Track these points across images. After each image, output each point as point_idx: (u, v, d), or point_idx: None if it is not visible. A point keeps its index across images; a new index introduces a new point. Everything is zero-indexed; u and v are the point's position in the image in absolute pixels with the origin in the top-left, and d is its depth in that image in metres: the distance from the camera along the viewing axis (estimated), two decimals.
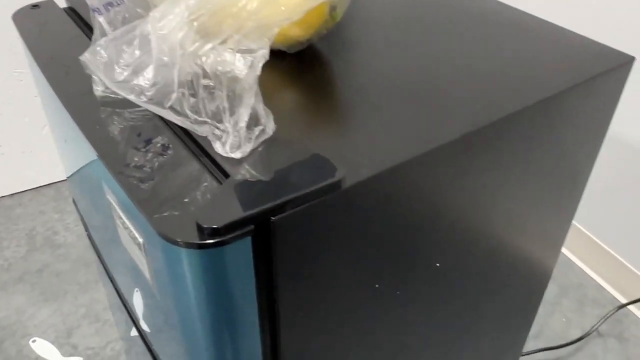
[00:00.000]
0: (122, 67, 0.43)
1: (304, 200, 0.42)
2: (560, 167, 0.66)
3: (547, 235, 0.77)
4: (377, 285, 0.53)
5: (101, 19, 0.48)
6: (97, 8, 0.47)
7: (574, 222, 1.60)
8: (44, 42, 0.65)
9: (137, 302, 0.67)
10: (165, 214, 0.42)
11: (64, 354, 1.38)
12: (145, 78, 0.42)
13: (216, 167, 0.46)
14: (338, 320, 0.53)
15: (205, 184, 0.45)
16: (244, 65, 0.44)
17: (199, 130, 0.46)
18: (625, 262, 1.50)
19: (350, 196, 0.44)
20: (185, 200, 0.44)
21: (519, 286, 0.81)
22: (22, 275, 1.58)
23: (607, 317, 1.41)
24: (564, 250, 1.65)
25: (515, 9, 0.71)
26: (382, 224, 0.49)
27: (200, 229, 0.39)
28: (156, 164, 0.46)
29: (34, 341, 1.40)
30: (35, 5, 0.72)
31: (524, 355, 1.36)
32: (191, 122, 0.44)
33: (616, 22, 1.32)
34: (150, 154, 0.47)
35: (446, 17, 0.70)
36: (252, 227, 0.40)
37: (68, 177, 0.81)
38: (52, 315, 1.47)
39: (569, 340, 1.39)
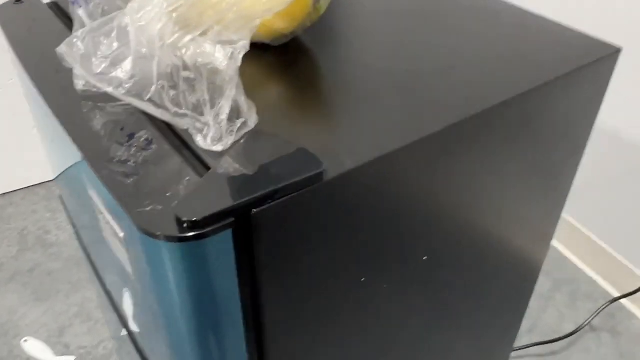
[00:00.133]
0: (99, 59, 0.42)
1: (285, 192, 0.41)
2: (548, 159, 0.66)
3: (536, 227, 0.77)
4: (363, 279, 0.53)
5: (80, 12, 0.47)
6: (76, 0, 0.46)
7: (566, 216, 1.60)
8: (27, 38, 0.64)
9: (126, 303, 0.66)
10: (147, 209, 0.42)
11: (57, 354, 1.38)
12: (124, 70, 0.42)
13: (198, 160, 0.45)
14: (324, 315, 0.53)
15: (188, 177, 0.45)
16: (224, 56, 0.43)
17: (180, 123, 0.45)
18: (617, 256, 1.50)
19: (333, 188, 0.44)
20: (168, 194, 0.43)
21: (509, 279, 0.80)
22: (13, 275, 1.57)
23: (600, 311, 1.41)
24: (556, 244, 1.65)
25: (501, 1, 0.71)
26: (367, 217, 0.49)
27: (179, 222, 0.38)
28: (138, 158, 0.46)
29: (25, 341, 1.39)
30: (18, 1, 0.71)
31: (517, 349, 1.36)
32: (171, 114, 0.44)
33: (602, 13, 1.32)
34: (132, 148, 0.47)
35: (432, 9, 0.69)
36: (233, 220, 0.39)
37: (55, 178, 0.80)
38: (44, 314, 1.47)
39: (562, 335, 1.39)
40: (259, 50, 0.59)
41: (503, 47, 0.61)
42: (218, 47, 0.43)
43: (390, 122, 0.50)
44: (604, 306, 1.42)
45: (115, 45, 0.42)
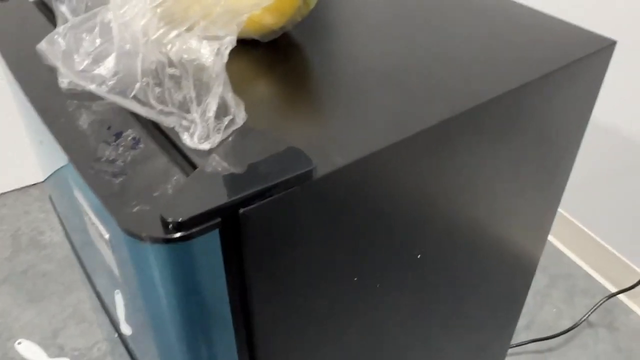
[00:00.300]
0: (81, 55, 0.41)
1: (274, 191, 0.40)
2: (543, 153, 0.65)
3: (532, 222, 0.76)
4: (355, 279, 0.52)
5: (63, 8, 0.46)
6: None
7: (563, 211, 1.59)
8: (12, 36, 0.63)
9: (116, 305, 0.65)
10: (134, 209, 0.41)
11: (50, 355, 1.36)
12: (107, 67, 0.41)
13: (184, 159, 0.44)
14: (316, 315, 0.52)
15: (175, 177, 0.44)
16: (211, 52, 0.42)
17: (166, 121, 0.44)
18: (614, 252, 1.50)
19: (323, 186, 0.43)
20: (155, 194, 0.42)
21: (505, 275, 0.80)
22: (7, 277, 1.56)
23: (597, 307, 1.41)
24: (553, 240, 1.65)
25: None
26: (358, 215, 0.48)
27: (164, 222, 0.37)
28: (123, 158, 0.44)
29: (19, 343, 1.38)
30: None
31: (514, 346, 1.36)
32: (157, 112, 0.43)
33: (597, 5, 1.31)
34: (118, 148, 0.46)
35: (424, 3, 0.68)
36: (219, 220, 0.38)
37: (45, 179, 0.79)
38: (37, 316, 1.45)
39: (559, 331, 1.38)
40: (248, 46, 0.58)
41: (497, 40, 0.60)
42: (204, 43, 0.42)
43: (381, 118, 0.49)
44: (601, 302, 1.41)
45: (98, 41, 0.41)
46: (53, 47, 0.41)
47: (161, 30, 0.42)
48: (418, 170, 0.51)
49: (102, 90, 0.42)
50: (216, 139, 0.44)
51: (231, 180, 0.40)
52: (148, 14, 0.42)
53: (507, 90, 0.52)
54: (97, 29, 0.41)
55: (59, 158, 0.55)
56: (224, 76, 0.43)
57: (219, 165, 0.42)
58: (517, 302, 0.90)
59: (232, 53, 0.45)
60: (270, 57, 0.57)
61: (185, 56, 0.42)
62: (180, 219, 0.37)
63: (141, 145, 0.46)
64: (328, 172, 0.42)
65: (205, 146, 0.43)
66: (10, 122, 1.73)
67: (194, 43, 0.43)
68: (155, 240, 0.37)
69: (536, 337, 1.38)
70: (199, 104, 0.43)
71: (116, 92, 0.42)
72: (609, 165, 1.45)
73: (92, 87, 0.42)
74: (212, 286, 0.42)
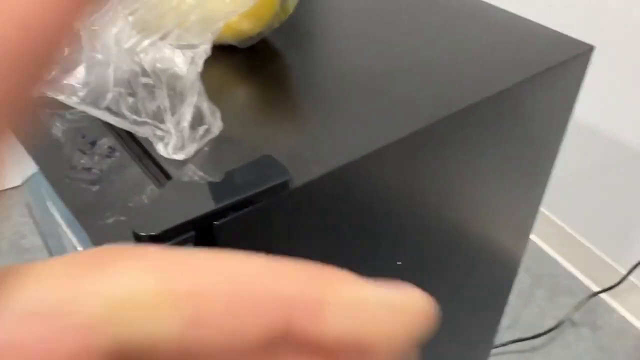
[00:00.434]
0: None
1: (249, 202, 0.39)
2: (524, 154, 0.65)
3: (514, 223, 0.76)
4: None
5: None
6: None
7: (545, 211, 1.60)
8: None
9: None
10: (108, 221, 0.40)
11: None
12: (77, 77, 0.40)
13: (159, 169, 0.44)
14: None
15: (150, 187, 0.43)
16: (185, 61, 0.42)
17: (140, 132, 0.43)
18: (596, 251, 1.51)
19: (299, 197, 0.42)
20: (130, 204, 0.41)
21: (488, 275, 0.80)
22: None
23: (580, 306, 1.42)
24: (536, 239, 1.66)
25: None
26: (336, 224, 0.47)
27: (136, 237, 0.36)
28: (95, 168, 0.44)
29: None
30: None
31: (497, 347, 1.36)
32: (130, 122, 0.42)
33: (575, 10, 1.32)
34: (93, 157, 0.45)
35: (403, 8, 0.68)
36: (193, 233, 0.37)
37: (22, 184, 0.78)
38: None
39: (542, 330, 1.39)
40: (225, 52, 0.57)
41: (476, 45, 0.60)
42: (177, 52, 0.41)
43: (360, 126, 0.48)
44: (583, 301, 1.42)
45: (66, 50, 0.40)
46: None
47: (134, 39, 0.41)
48: (396, 177, 0.50)
49: (72, 101, 0.41)
50: (191, 149, 0.43)
51: (205, 192, 0.40)
52: (120, 22, 0.41)
53: (486, 96, 0.52)
54: None
55: (31, 166, 0.54)
56: (198, 85, 0.43)
57: (194, 175, 0.42)
58: (500, 302, 0.90)
59: (209, 59, 0.44)
60: (247, 64, 0.57)
61: (159, 65, 0.42)
62: (152, 233, 0.36)
63: (115, 155, 0.45)
64: (305, 182, 0.42)
65: (180, 156, 0.43)
66: None
67: (167, 52, 0.42)
68: None
69: (519, 337, 1.39)
70: (173, 113, 0.42)
71: (87, 102, 0.41)
72: (591, 165, 1.46)
73: (62, 97, 0.41)
74: None
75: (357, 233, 0.50)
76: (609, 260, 1.49)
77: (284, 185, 0.41)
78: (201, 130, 0.44)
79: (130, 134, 0.47)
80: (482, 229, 0.68)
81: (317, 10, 0.67)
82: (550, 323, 1.42)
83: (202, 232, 0.38)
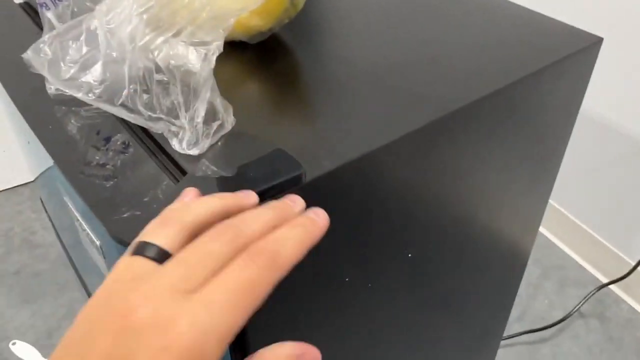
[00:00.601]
0: (68, 64, 0.41)
1: (263, 196, 0.40)
2: (533, 147, 0.66)
3: (523, 215, 0.77)
4: (347, 279, 0.52)
5: (49, 14, 0.46)
6: (44, 3, 0.45)
7: (554, 203, 1.60)
8: None
9: None
10: (124, 215, 0.41)
11: (45, 355, 1.36)
12: (94, 75, 0.41)
13: (174, 164, 0.44)
14: (308, 316, 0.52)
15: (165, 182, 0.44)
16: (198, 58, 0.42)
17: (154, 127, 0.44)
18: (605, 243, 1.51)
19: (312, 190, 0.43)
20: (145, 199, 0.42)
21: (498, 268, 0.80)
22: (0, 277, 1.56)
23: (589, 298, 1.42)
24: (544, 231, 1.66)
25: None
26: (348, 217, 0.48)
27: None
28: (112, 163, 0.44)
29: (13, 344, 1.38)
30: None
31: (506, 338, 1.37)
32: (145, 119, 0.43)
33: (583, 2, 1.32)
34: (108, 153, 0.46)
35: (412, 2, 0.68)
36: None
37: (35, 180, 0.79)
38: (31, 316, 1.45)
39: (551, 322, 1.40)
40: (236, 48, 0.58)
41: (485, 39, 0.61)
42: (191, 48, 0.42)
43: (372, 119, 0.49)
44: (592, 292, 1.42)
45: (85, 49, 0.41)
46: (39, 55, 0.41)
47: (148, 37, 0.42)
48: (408, 170, 0.51)
49: (89, 98, 0.42)
50: (205, 144, 0.44)
51: (220, 186, 0.40)
52: (134, 20, 0.42)
53: (496, 88, 0.53)
54: (83, 37, 0.41)
55: (47, 160, 0.55)
56: (211, 81, 0.43)
57: (207, 170, 0.43)
58: (510, 294, 0.91)
59: (220, 55, 0.45)
60: (258, 59, 0.57)
61: (172, 62, 0.42)
62: None
63: (130, 151, 0.46)
64: (317, 176, 0.43)
65: (194, 152, 0.44)
66: None
67: (181, 49, 0.42)
68: None
69: (528, 328, 1.39)
70: (187, 109, 0.43)
71: (104, 99, 0.42)
72: (600, 157, 1.46)
73: (79, 95, 0.41)
74: None
75: (369, 225, 0.51)
76: (617, 251, 1.49)
77: (297, 179, 0.41)
78: (215, 125, 0.44)
79: (144, 130, 0.47)
80: (491, 221, 0.69)
81: (327, 6, 0.68)
82: (559, 314, 1.42)
83: None
